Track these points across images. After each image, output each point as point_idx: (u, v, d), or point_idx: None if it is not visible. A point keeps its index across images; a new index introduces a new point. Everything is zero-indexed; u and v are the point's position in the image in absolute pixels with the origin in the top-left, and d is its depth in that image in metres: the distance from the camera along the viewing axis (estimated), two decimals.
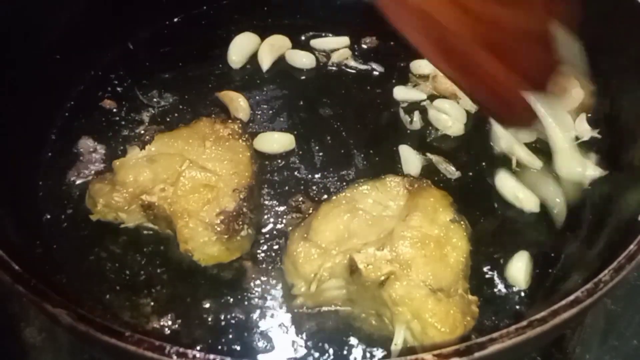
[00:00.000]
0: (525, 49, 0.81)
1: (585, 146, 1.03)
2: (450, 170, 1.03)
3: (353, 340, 0.85)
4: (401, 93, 1.12)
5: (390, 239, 0.84)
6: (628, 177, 0.94)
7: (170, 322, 0.86)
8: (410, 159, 1.03)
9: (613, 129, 1.01)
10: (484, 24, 0.78)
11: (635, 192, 0.90)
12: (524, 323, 0.64)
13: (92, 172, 1.01)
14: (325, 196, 0.99)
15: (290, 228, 0.94)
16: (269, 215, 0.97)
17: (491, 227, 0.96)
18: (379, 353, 0.84)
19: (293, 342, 0.85)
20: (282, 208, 0.98)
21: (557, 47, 0.81)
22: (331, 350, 0.84)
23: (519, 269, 0.91)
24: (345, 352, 0.84)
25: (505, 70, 0.80)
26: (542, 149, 1.05)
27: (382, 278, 0.81)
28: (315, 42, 1.22)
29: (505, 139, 1.04)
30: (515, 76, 0.81)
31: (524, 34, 0.80)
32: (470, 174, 1.03)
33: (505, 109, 0.86)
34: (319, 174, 1.03)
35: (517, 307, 0.89)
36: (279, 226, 0.96)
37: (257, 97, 1.13)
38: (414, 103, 1.12)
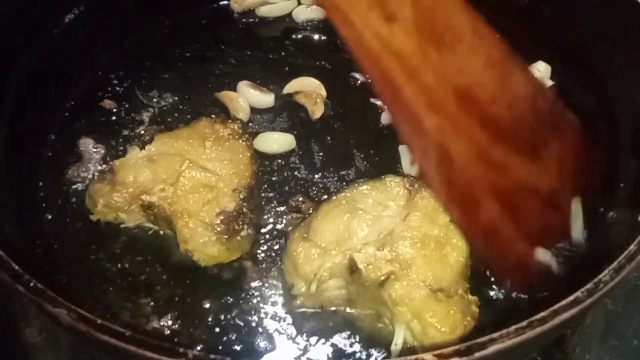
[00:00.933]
0: (534, 209, 0.77)
1: None
2: None
3: (353, 340, 0.85)
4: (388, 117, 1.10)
5: (390, 239, 0.84)
6: (627, 178, 0.94)
7: (170, 322, 0.86)
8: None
9: (611, 129, 1.01)
10: (496, 171, 0.73)
11: (635, 192, 0.90)
12: (524, 323, 0.65)
13: (92, 172, 1.01)
14: (325, 196, 0.99)
15: (290, 228, 0.94)
16: (269, 215, 0.97)
17: None
18: (379, 353, 0.84)
19: (293, 342, 0.85)
20: (282, 208, 0.98)
21: (569, 217, 0.79)
22: (331, 350, 0.84)
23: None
24: (345, 352, 0.84)
25: (507, 225, 0.76)
26: None
27: (382, 278, 0.81)
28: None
29: None
30: (516, 233, 0.77)
31: (538, 194, 0.76)
32: None
33: (498, 261, 0.82)
34: (319, 174, 1.03)
35: (517, 307, 0.89)
36: (279, 226, 0.96)
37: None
38: None
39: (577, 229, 0.84)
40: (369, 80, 0.87)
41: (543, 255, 0.82)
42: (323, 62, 1.19)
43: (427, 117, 0.70)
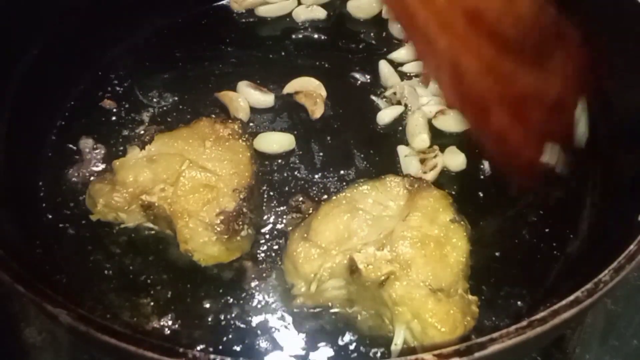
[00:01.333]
0: (541, 113, 0.85)
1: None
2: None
3: (353, 340, 0.85)
4: (384, 117, 1.10)
5: (390, 239, 0.84)
6: (627, 177, 0.94)
7: (170, 322, 0.86)
8: (410, 158, 1.03)
9: (611, 130, 1.01)
10: (503, 80, 0.81)
11: (634, 192, 0.90)
12: (524, 323, 0.64)
13: (92, 172, 1.02)
14: (325, 196, 0.99)
15: (290, 228, 0.94)
16: (269, 215, 0.97)
17: (491, 227, 0.96)
18: (379, 353, 0.84)
19: (293, 342, 0.85)
20: (282, 208, 0.98)
21: (573, 120, 0.86)
22: (331, 350, 0.84)
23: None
24: (345, 352, 0.84)
25: (516, 129, 0.84)
26: None
27: (382, 278, 0.81)
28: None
29: None
30: (524, 136, 0.85)
31: (545, 99, 0.84)
32: (471, 173, 1.03)
33: (508, 163, 0.89)
34: (319, 174, 1.03)
35: (517, 307, 0.89)
36: (279, 226, 0.96)
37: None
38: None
39: (581, 127, 0.91)
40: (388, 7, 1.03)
41: (550, 154, 0.88)
42: (323, 62, 1.19)
43: (440, 38, 0.79)
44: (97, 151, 1.04)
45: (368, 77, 1.16)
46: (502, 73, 0.81)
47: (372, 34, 1.24)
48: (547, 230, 0.96)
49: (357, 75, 1.16)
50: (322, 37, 1.24)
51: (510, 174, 0.91)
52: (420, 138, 1.04)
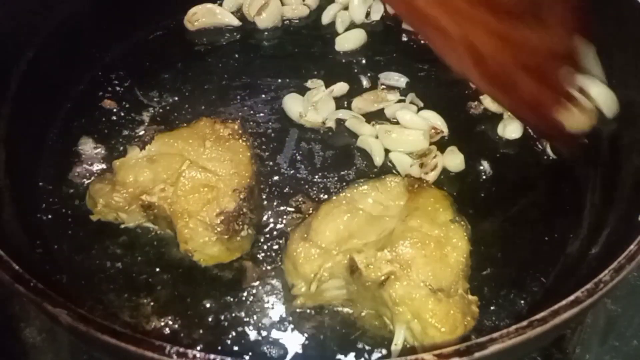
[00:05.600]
0: (553, 64, 0.89)
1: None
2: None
3: (353, 340, 0.85)
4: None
5: (390, 239, 0.84)
6: (627, 177, 0.94)
7: (170, 322, 0.86)
8: (405, 160, 1.03)
9: (611, 130, 1.01)
10: (517, 47, 0.86)
11: (635, 192, 0.90)
12: (524, 323, 0.65)
13: (92, 172, 1.02)
14: (325, 196, 0.99)
15: (290, 228, 0.94)
16: (269, 215, 0.97)
17: (491, 227, 0.96)
18: (379, 353, 0.84)
19: (293, 342, 0.85)
20: (282, 208, 0.98)
21: (580, 57, 0.90)
22: (331, 350, 0.84)
23: None
24: (345, 352, 0.84)
25: (539, 85, 0.88)
26: None
27: (382, 278, 0.81)
28: None
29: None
30: (548, 90, 0.89)
31: (551, 52, 0.88)
32: (471, 173, 1.03)
33: (543, 122, 0.93)
34: (319, 174, 1.03)
35: (517, 307, 0.89)
36: (279, 226, 0.96)
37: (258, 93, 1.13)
38: None
39: (597, 69, 0.94)
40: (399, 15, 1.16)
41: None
42: (324, 64, 1.19)
43: (451, 27, 0.84)
44: (97, 151, 1.04)
45: (370, 83, 1.16)
46: (514, 40, 0.85)
47: (375, 37, 1.24)
48: (547, 230, 0.96)
49: (361, 77, 1.16)
50: (321, 42, 1.23)
51: (559, 140, 0.97)
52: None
